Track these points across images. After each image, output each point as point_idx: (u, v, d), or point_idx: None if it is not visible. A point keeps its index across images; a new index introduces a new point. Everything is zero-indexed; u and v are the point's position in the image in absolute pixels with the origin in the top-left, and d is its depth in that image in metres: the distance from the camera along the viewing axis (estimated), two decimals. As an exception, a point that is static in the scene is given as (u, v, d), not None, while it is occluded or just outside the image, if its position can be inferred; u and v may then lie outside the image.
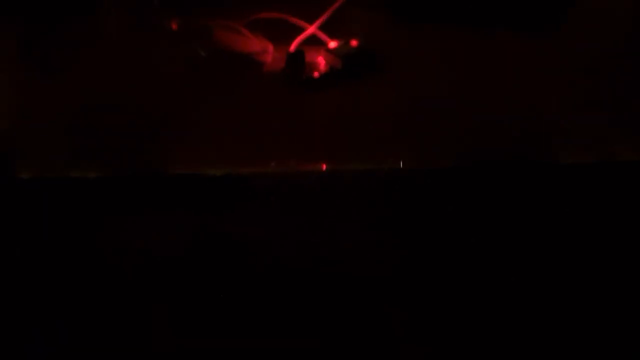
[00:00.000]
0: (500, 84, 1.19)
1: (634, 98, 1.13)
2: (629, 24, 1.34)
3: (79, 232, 0.98)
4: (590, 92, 1.15)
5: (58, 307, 1.00)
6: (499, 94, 1.16)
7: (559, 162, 0.99)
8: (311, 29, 1.28)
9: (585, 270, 1.02)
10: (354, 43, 1.25)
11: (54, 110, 1.10)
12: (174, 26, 1.27)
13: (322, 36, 1.28)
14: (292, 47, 1.25)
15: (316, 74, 1.20)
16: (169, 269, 1.01)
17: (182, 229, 0.99)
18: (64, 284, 1.00)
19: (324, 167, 0.98)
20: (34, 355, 0.98)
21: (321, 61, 1.23)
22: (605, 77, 1.19)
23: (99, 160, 0.98)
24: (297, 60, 1.21)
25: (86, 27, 1.29)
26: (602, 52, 1.25)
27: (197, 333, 1.01)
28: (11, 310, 0.99)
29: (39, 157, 1.00)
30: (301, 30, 1.28)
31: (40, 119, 1.09)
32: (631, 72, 1.20)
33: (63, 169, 0.98)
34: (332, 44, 1.26)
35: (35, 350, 0.97)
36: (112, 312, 1.01)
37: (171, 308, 1.01)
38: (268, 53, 1.25)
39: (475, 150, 1.01)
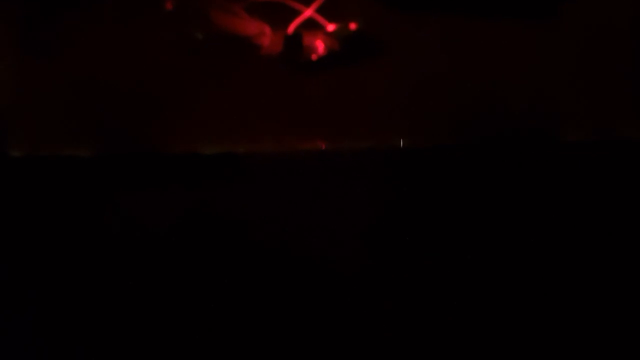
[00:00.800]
0: (501, 66, 1.17)
1: (634, 80, 1.12)
2: (630, 12, 1.33)
3: (73, 210, 0.96)
4: (591, 74, 1.14)
5: (53, 286, 0.98)
6: (499, 76, 1.14)
7: (560, 140, 0.98)
8: (309, 11, 1.26)
9: (588, 251, 1.00)
10: (352, 26, 1.24)
11: (48, 90, 1.08)
12: (169, 6, 1.25)
13: (320, 19, 1.26)
14: (290, 30, 1.23)
15: (314, 57, 1.19)
16: (164, 249, 0.99)
17: (177, 208, 0.97)
18: (58, 262, 0.98)
19: (323, 145, 0.96)
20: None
21: (319, 44, 1.21)
22: (606, 62, 1.18)
23: (93, 139, 0.96)
24: (295, 42, 1.19)
25: (81, 7, 1.27)
26: (603, 39, 1.23)
27: (193, 313, 0.99)
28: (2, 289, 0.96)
29: (32, 134, 0.98)
30: (299, 13, 1.26)
31: (34, 98, 1.06)
32: (632, 59, 1.19)
33: (56, 146, 0.95)
34: (331, 27, 1.24)
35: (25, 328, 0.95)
36: (107, 291, 0.99)
37: (167, 291, 0.99)
38: (265, 36, 1.23)
39: (476, 129, 0.99)
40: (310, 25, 1.25)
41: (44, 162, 0.93)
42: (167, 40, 1.21)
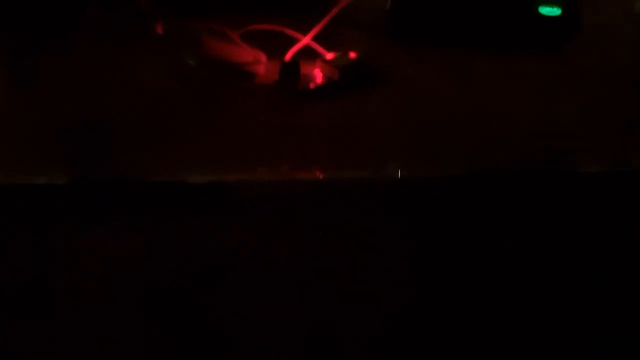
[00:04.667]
0: (505, 98, 1.12)
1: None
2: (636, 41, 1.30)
3: (47, 241, 0.89)
4: (605, 105, 1.09)
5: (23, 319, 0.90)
6: (504, 108, 1.09)
7: (574, 172, 0.92)
8: (306, 39, 1.21)
9: (602, 279, 0.94)
10: (352, 55, 1.18)
11: (29, 118, 1.02)
12: (160, 30, 1.19)
13: (319, 48, 1.21)
14: (288, 57, 1.17)
15: (312, 86, 1.13)
16: (148, 286, 0.92)
17: (159, 241, 0.90)
18: (29, 298, 0.90)
19: (320, 175, 0.90)
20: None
21: (318, 73, 1.16)
22: (617, 91, 1.13)
23: (71, 166, 0.89)
24: (293, 70, 1.13)
25: (65, 32, 1.22)
26: (613, 68, 1.19)
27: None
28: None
29: (6, 162, 0.91)
30: (296, 42, 1.21)
31: (15, 126, 1.00)
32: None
33: (31, 175, 0.89)
34: (330, 56, 1.19)
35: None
36: (79, 330, 0.91)
37: (147, 329, 0.91)
38: (261, 64, 1.18)
39: (479, 161, 0.93)
40: (309, 54, 1.20)
41: (18, 191, 0.86)
42: (157, 66, 1.15)
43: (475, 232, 0.94)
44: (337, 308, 0.93)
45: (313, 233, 0.90)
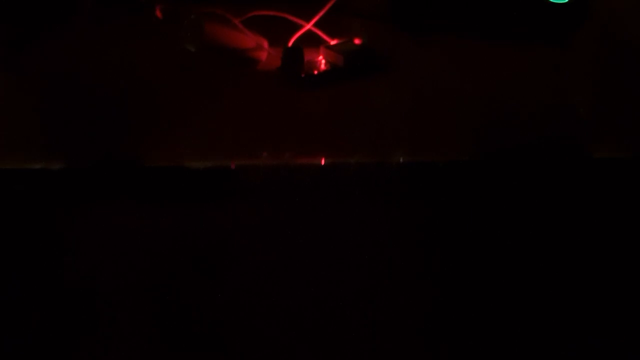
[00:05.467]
0: (509, 84, 1.10)
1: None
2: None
3: (44, 227, 0.87)
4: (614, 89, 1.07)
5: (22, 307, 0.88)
6: (508, 93, 1.07)
7: (585, 157, 0.90)
8: (309, 25, 1.19)
9: (614, 266, 0.92)
10: (356, 41, 1.16)
11: (22, 97, 1.00)
12: (160, 14, 1.17)
13: (321, 34, 1.19)
14: (290, 43, 1.15)
15: (315, 72, 1.11)
16: (147, 273, 0.90)
17: (159, 228, 0.88)
18: (28, 283, 0.88)
19: (322, 160, 0.87)
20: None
21: (321, 59, 1.14)
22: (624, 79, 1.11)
23: (68, 151, 0.87)
24: (295, 55, 1.11)
25: (65, 14, 1.20)
26: (619, 57, 1.17)
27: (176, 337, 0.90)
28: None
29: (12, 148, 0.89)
30: (299, 28, 1.19)
31: (12, 110, 0.98)
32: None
33: (27, 159, 0.87)
34: (333, 42, 1.17)
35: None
36: (79, 315, 0.89)
37: (148, 314, 0.89)
38: (263, 50, 1.16)
39: (483, 146, 0.91)
40: (312, 40, 1.18)
41: (14, 175, 0.84)
42: (158, 51, 1.13)
43: (479, 218, 0.92)
44: (338, 293, 0.91)
45: (315, 218, 0.88)
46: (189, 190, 0.87)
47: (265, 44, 1.16)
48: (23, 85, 1.06)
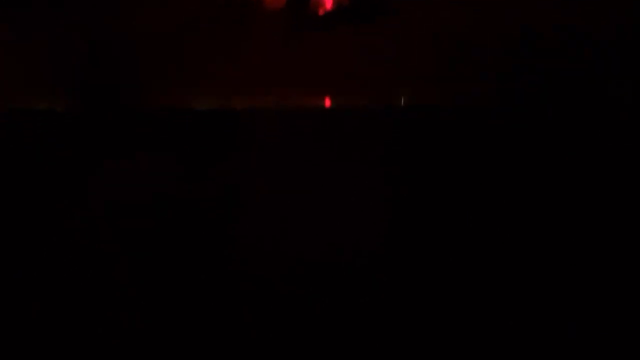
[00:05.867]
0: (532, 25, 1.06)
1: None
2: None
3: (53, 170, 0.86)
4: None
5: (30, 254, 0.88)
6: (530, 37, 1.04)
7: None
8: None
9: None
10: (365, -23, 1.13)
11: (26, 41, 0.98)
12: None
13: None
14: (296, -18, 1.13)
15: (321, 12, 1.08)
16: (152, 217, 0.89)
17: (167, 170, 0.87)
18: (35, 225, 0.88)
19: (328, 103, 0.86)
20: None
21: (327, -1, 1.11)
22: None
23: (74, 93, 0.86)
24: (301, -4, 1.09)
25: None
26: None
27: (183, 285, 0.90)
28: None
29: (5, 87, 0.88)
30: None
31: (9, 49, 0.96)
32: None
33: (35, 100, 0.86)
34: (341, -21, 1.14)
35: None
36: (86, 262, 0.89)
37: (157, 264, 0.89)
38: (269, -11, 1.13)
39: (500, 93, 0.89)
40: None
41: (19, 116, 0.83)
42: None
43: (481, 160, 0.91)
44: (342, 236, 0.91)
45: (319, 160, 0.87)
46: (194, 133, 0.86)
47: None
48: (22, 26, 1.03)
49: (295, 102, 0.86)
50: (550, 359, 0.87)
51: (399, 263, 0.91)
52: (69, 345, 0.84)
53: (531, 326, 0.89)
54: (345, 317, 0.87)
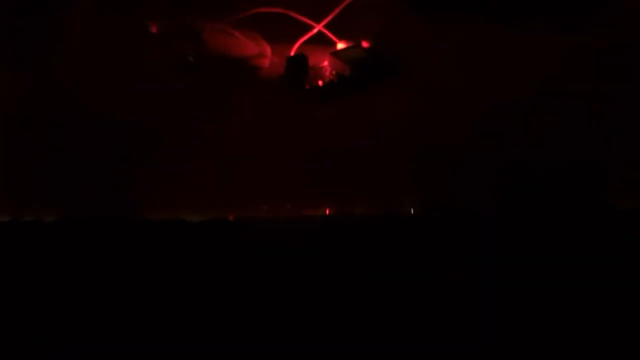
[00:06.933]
0: (543, 94, 1.00)
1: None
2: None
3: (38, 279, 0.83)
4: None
5: None
6: (542, 108, 0.98)
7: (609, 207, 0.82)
8: (316, 28, 1.11)
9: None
10: (364, 45, 1.09)
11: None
12: (154, 28, 1.10)
13: (330, 35, 1.11)
14: (293, 50, 1.08)
15: (320, 82, 1.04)
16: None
17: (157, 282, 0.84)
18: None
19: (328, 211, 0.82)
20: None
21: (327, 66, 1.07)
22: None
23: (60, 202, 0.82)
24: (299, 65, 1.04)
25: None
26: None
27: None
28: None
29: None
30: (304, 28, 1.11)
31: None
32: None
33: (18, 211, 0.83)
34: (340, 46, 1.09)
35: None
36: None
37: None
38: (266, 57, 1.09)
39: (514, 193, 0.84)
40: (317, 40, 1.10)
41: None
42: (155, 64, 1.07)
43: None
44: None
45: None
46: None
47: (268, 50, 1.09)
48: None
49: (297, 207, 0.82)
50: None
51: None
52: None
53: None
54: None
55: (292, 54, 1.07)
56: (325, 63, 1.07)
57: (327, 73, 1.05)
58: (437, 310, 0.83)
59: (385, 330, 0.82)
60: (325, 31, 1.10)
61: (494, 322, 0.83)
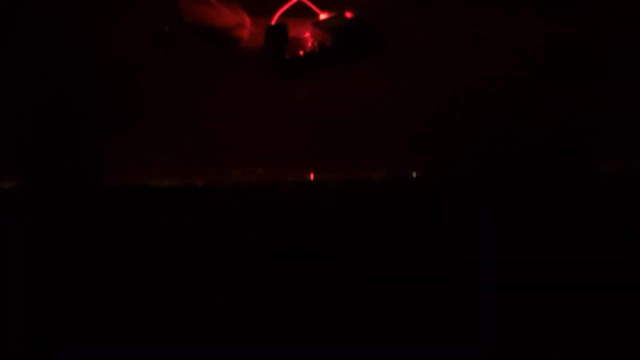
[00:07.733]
0: (528, 67, 0.97)
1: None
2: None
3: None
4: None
5: None
6: (526, 82, 0.95)
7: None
8: (297, -2, 1.07)
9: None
10: (348, 15, 1.05)
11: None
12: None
13: (311, 6, 1.07)
14: (274, 20, 1.04)
15: (302, 53, 1.00)
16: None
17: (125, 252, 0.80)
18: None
19: (311, 176, 0.79)
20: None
21: (309, 37, 1.03)
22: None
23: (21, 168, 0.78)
24: (279, 35, 1.00)
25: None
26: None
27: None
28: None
29: None
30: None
31: None
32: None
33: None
34: (323, 16, 1.05)
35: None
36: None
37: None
38: (245, 27, 1.05)
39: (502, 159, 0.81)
40: (300, 11, 1.06)
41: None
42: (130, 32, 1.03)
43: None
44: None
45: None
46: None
47: (247, 20, 1.05)
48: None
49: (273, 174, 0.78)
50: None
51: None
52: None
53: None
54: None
55: (272, 23, 1.03)
56: (307, 34, 1.03)
57: (309, 44, 1.01)
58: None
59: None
60: (307, 2, 1.06)
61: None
